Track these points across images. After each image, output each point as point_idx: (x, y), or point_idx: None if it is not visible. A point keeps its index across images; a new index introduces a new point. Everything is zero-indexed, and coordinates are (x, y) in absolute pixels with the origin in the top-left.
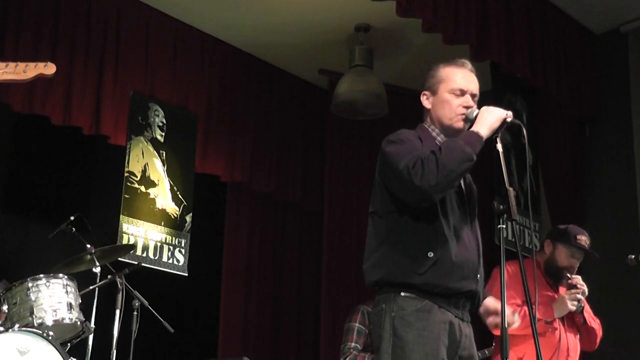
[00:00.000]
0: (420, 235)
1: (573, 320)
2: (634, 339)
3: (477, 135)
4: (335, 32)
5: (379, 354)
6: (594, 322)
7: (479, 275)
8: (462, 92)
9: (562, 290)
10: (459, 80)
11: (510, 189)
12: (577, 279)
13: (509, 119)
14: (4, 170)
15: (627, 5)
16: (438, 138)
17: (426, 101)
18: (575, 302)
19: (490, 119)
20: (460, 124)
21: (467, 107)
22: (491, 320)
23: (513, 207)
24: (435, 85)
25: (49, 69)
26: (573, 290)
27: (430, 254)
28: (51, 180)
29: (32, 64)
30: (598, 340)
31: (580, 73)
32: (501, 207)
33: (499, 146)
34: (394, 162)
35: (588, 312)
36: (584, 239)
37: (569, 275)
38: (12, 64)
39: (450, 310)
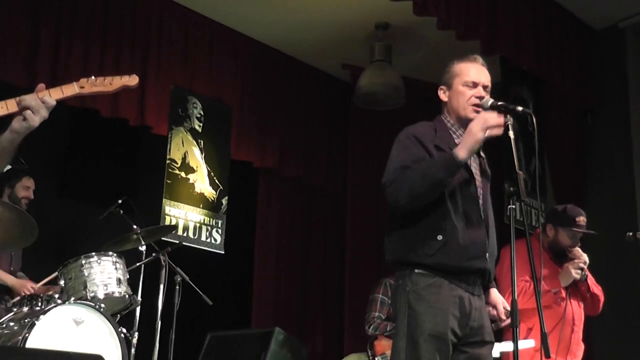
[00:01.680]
0: (430, 220)
1: (578, 290)
2: (632, 310)
3: (454, 160)
4: (356, 30)
5: (397, 323)
6: (597, 289)
7: (487, 254)
8: (475, 84)
9: (564, 266)
10: (471, 73)
11: (520, 173)
12: (577, 251)
13: (492, 132)
14: (60, 159)
15: (625, 2)
16: (452, 128)
17: (443, 95)
18: (579, 271)
19: (470, 141)
20: (474, 114)
21: (480, 98)
22: (489, 310)
23: (522, 189)
24: (450, 79)
25: (132, 80)
26: (575, 261)
27: (439, 237)
28: (101, 167)
29: (117, 77)
30: (601, 305)
31: (581, 66)
32: (511, 189)
33: (511, 133)
34: (386, 169)
35: (591, 280)
36: (582, 219)
37: (570, 250)
38: (100, 78)
39: (460, 286)
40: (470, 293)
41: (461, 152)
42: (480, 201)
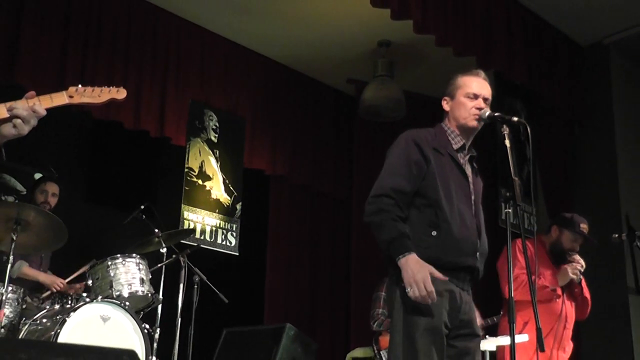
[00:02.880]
0: (427, 217)
1: (572, 292)
2: (618, 310)
3: (401, 257)
4: (360, 48)
5: (392, 317)
6: (588, 294)
7: (478, 253)
8: (476, 96)
9: (562, 267)
10: (473, 86)
11: (516, 179)
12: (577, 256)
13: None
14: (86, 168)
15: (609, 21)
16: (451, 135)
17: (446, 105)
18: (577, 272)
19: (408, 273)
20: (473, 123)
21: (480, 109)
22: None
23: (518, 194)
24: (454, 90)
25: (120, 93)
26: (574, 263)
27: (434, 233)
28: (124, 175)
29: (106, 89)
30: (589, 310)
31: (569, 80)
32: (507, 194)
33: (507, 142)
34: (380, 177)
35: (584, 285)
36: (585, 227)
37: (570, 254)
38: (89, 89)
39: (452, 281)
40: (460, 288)
41: (403, 260)
42: (473, 204)
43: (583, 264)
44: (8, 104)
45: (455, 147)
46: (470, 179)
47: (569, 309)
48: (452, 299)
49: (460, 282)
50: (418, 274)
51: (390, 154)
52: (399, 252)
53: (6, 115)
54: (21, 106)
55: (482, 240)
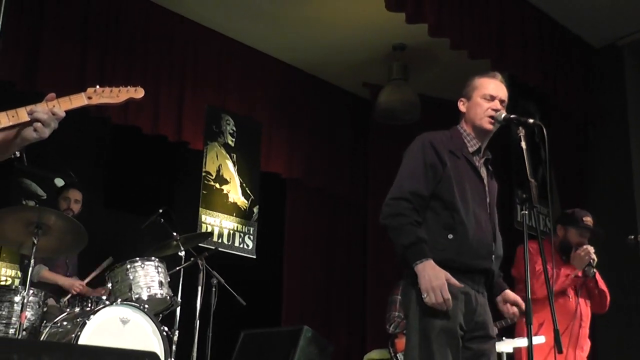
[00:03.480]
0: (443, 219)
1: (586, 289)
2: (633, 309)
3: (418, 262)
4: (375, 52)
5: (408, 319)
6: (604, 286)
7: (493, 256)
8: (492, 98)
9: (564, 268)
10: (490, 87)
11: (532, 181)
12: (585, 246)
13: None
14: (105, 172)
15: (623, 22)
16: (467, 137)
17: (462, 106)
18: (589, 254)
19: (425, 280)
20: (489, 126)
21: (496, 110)
22: (506, 308)
23: (534, 196)
24: (470, 92)
25: (138, 92)
26: (583, 247)
27: (450, 236)
28: (142, 179)
29: (124, 88)
30: (608, 302)
31: (583, 82)
32: (524, 195)
33: (523, 144)
34: (396, 180)
35: (598, 278)
36: (589, 220)
37: (578, 248)
38: (107, 89)
39: (467, 283)
40: (475, 290)
41: (420, 266)
42: (488, 207)
43: (590, 249)
44: (28, 108)
45: (471, 149)
46: (485, 182)
47: (584, 307)
48: (468, 301)
49: (475, 284)
50: (435, 281)
51: (407, 156)
52: (416, 257)
53: (27, 118)
54: (41, 109)
55: (497, 243)
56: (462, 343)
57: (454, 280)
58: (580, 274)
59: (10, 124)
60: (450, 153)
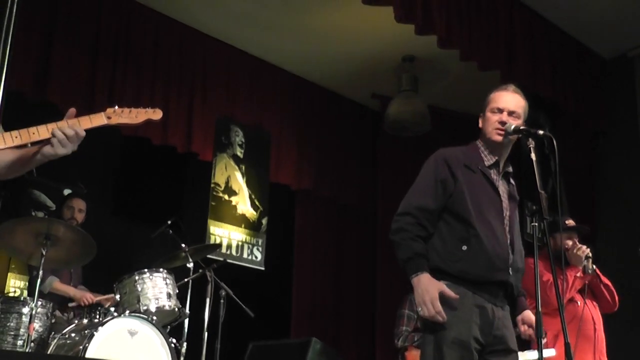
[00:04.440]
0: (458, 231)
1: (591, 289)
2: None
3: (414, 276)
4: (385, 63)
5: (424, 331)
6: (607, 280)
7: (510, 268)
8: (500, 110)
9: (569, 272)
10: (499, 100)
11: (542, 192)
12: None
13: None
14: (115, 183)
15: (633, 34)
16: (485, 152)
17: (480, 122)
18: (581, 250)
19: (420, 291)
20: (497, 137)
21: (502, 123)
22: (524, 329)
23: (545, 207)
24: (485, 107)
25: (157, 114)
26: (575, 247)
27: (464, 247)
28: (151, 190)
29: (142, 110)
30: (617, 297)
31: (593, 92)
32: (534, 207)
33: (533, 155)
34: (408, 195)
35: (599, 274)
36: (570, 221)
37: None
38: (126, 110)
39: (483, 296)
40: (492, 304)
41: (415, 279)
42: (506, 220)
43: (583, 246)
44: (50, 126)
45: (487, 163)
46: (503, 195)
47: (593, 310)
48: (484, 315)
49: (492, 297)
50: (426, 294)
51: (420, 172)
52: (412, 271)
53: (48, 135)
54: (66, 129)
55: (516, 256)
56: (483, 356)
57: (448, 291)
58: (581, 273)
59: (31, 140)
60: (465, 167)
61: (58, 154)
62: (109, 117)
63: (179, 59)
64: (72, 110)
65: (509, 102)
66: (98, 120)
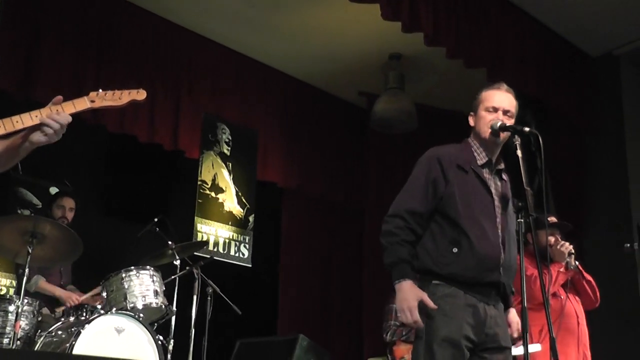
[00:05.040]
0: (449, 233)
1: (574, 284)
2: (630, 314)
3: (398, 281)
4: (372, 61)
5: (416, 330)
6: (589, 276)
7: (502, 268)
8: (495, 109)
9: (552, 267)
10: (493, 99)
11: (528, 189)
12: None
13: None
14: (100, 180)
15: (618, 32)
16: (477, 151)
17: (471, 120)
18: (564, 246)
19: (401, 298)
20: (490, 137)
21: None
22: (510, 330)
23: (531, 204)
24: (477, 106)
25: (140, 94)
26: (557, 244)
27: (455, 250)
28: (138, 188)
29: (126, 91)
30: (598, 293)
31: (579, 90)
32: (520, 204)
33: (519, 152)
34: (399, 196)
35: (582, 269)
36: (552, 218)
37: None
38: (109, 92)
39: (475, 296)
40: (485, 302)
41: (398, 286)
42: (498, 219)
43: (566, 243)
44: (34, 112)
45: (480, 162)
46: (495, 194)
47: (576, 305)
48: (476, 314)
49: (484, 297)
50: (404, 303)
51: (413, 171)
52: (395, 277)
53: (32, 123)
54: (54, 115)
55: (508, 255)
56: (477, 353)
57: (427, 301)
58: (564, 268)
59: (15, 129)
60: (457, 167)
61: (47, 140)
62: (92, 101)
63: (166, 57)
64: (59, 98)
65: (504, 101)
66: (81, 104)
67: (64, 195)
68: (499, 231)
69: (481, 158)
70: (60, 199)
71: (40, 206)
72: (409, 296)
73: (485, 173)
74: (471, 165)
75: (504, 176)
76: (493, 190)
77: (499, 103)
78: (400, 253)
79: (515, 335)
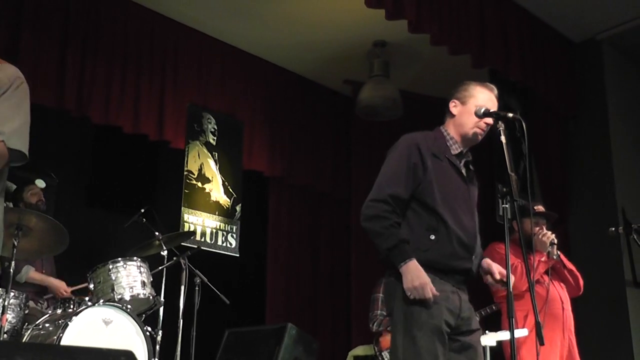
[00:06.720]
0: (425, 220)
1: (557, 273)
2: (615, 300)
3: (404, 262)
4: (356, 48)
5: (393, 317)
6: (571, 265)
7: (474, 256)
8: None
9: (534, 256)
10: (486, 102)
11: (513, 174)
12: (542, 230)
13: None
14: (86, 172)
15: (601, 17)
16: (451, 141)
17: (454, 108)
18: (547, 236)
19: (408, 277)
20: (479, 138)
21: (488, 125)
22: (487, 278)
23: (515, 189)
24: (466, 98)
25: None
26: (541, 233)
27: (432, 237)
28: (124, 179)
29: None
30: (581, 282)
31: (563, 76)
32: (504, 189)
33: (503, 138)
34: (378, 181)
35: (564, 259)
36: (539, 207)
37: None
38: None
39: (449, 282)
40: (457, 288)
41: (404, 267)
42: (473, 208)
43: (549, 232)
44: None
45: (453, 152)
46: (469, 183)
47: (561, 291)
48: (452, 299)
49: (457, 283)
50: (417, 280)
51: (390, 155)
52: (399, 259)
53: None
54: None
55: (478, 243)
56: (450, 336)
57: (432, 288)
58: (546, 257)
59: None
60: (433, 156)
61: None
62: None
63: (150, 47)
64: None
65: (495, 106)
66: None
67: (30, 183)
68: (473, 219)
69: (455, 149)
70: (29, 187)
71: (13, 189)
72: (421, 274)
73: (458, 162)
74: (445, 154)
75: (471, 167)
76: (467, 179)
77: (492, 107)
78: (399, 234)
79: (498, 277)
